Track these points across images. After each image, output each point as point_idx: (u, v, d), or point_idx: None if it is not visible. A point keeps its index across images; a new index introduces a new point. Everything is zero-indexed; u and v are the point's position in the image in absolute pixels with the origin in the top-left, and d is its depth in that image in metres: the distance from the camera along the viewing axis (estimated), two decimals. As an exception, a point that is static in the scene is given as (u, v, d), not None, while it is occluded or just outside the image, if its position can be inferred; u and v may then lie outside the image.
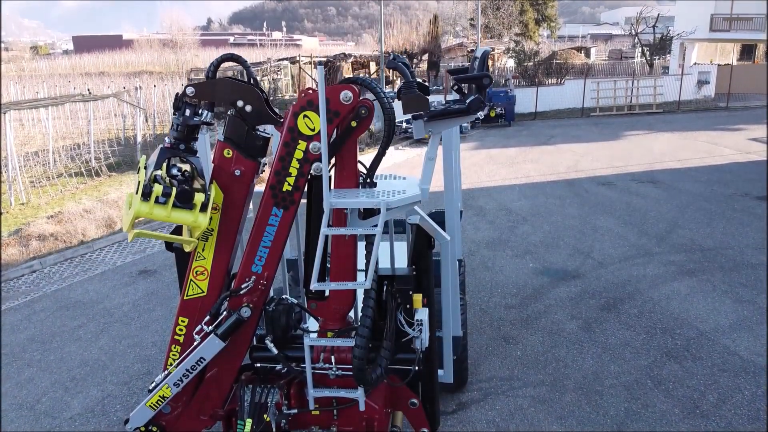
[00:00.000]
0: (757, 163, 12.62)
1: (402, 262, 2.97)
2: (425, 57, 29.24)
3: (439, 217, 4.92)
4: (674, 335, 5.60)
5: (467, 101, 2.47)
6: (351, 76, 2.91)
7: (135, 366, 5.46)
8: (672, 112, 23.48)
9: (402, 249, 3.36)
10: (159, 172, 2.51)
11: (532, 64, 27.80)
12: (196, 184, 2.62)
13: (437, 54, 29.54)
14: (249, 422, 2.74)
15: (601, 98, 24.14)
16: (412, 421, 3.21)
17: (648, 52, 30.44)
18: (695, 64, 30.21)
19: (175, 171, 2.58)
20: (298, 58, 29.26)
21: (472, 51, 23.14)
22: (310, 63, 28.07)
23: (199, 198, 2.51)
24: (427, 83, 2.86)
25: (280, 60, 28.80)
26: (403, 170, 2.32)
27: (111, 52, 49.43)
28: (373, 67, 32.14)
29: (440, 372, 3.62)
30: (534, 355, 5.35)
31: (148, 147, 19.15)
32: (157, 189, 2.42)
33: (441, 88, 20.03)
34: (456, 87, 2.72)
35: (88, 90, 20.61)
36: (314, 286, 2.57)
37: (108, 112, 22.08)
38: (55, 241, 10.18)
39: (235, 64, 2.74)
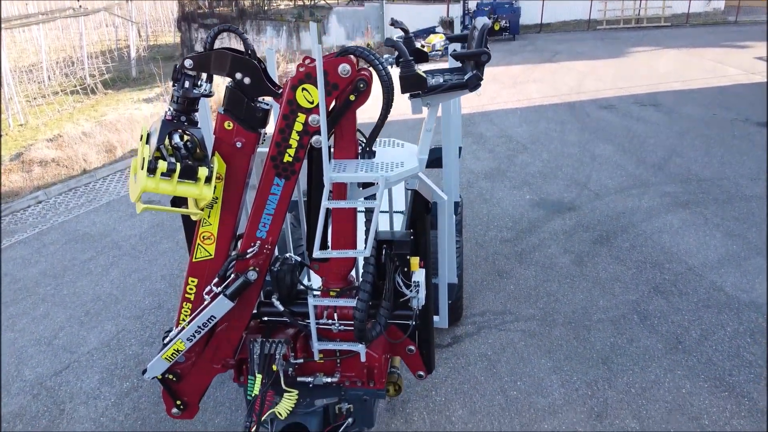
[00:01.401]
0: (760, 85, 12.42)
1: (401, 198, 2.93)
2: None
3: (436, 153, 4.98)
4: (663, 270, 5.81)
5: (465, 77, 2.49)
6: (349, 46, 2.88)
7: (146, 300, 5.72)
8: (680, 26, 22.76)
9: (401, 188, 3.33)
10: (163, 147, 2.57)
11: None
12: (199, 156, 2.69)
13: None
14: (259, 377, 2.96)
15: (609, 10, 23.30)
16: (409, 365, 3.44)
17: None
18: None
19: (177, 140, 2.64)
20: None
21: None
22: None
23: (203, 172, 2.58)
24: (425, 47, 2.85)
25: None
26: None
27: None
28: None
29: (436, 318, 3.83)
30: (526, 290, 5.59)
31: (143, 62, 18.78)
32: (162, 165, 2.49)
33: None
34: (456, 55, 2.72)
35: (80, 5, 19.88)
36: (316, 254, 2.70)
37: (99, 23, 21.45)
38: (57, 167, 10.28)
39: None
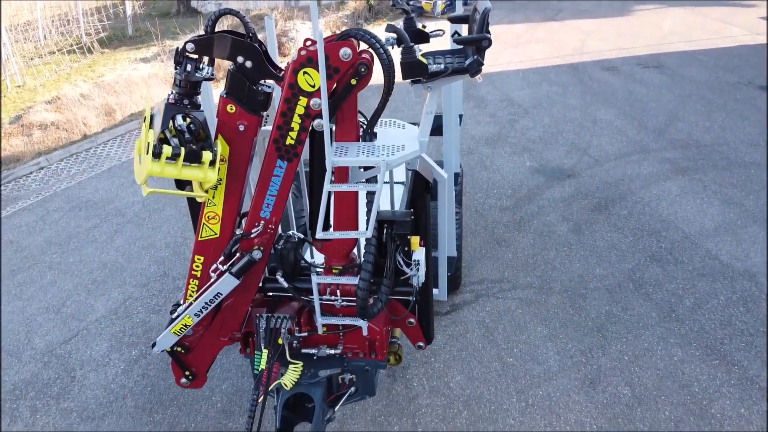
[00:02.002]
0: (764, 46, 12.25)
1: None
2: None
3: (436, 122, 4.98)
4: (660, 238, 5.89)
5: (466, 63, 2.50)
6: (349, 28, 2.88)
7: (151, 268, 5.82)
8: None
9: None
10: (167, 131, 2.61)
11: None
12: (202, 137, 2.72)
13: None
14: (265, 353, 3.07)
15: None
16: (409, 337, 3.55)
17: None
18: None
19: (180, 121, 2.68)
20: None
21: None
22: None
23: (207, 156, 2.63)
24: (425, 28, 2.85)
25: None
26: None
27: None
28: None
29: (435, 291, 3.92)
30: (524, 258, 5.69)
31: (138, 20, 18.48)
32: (167, 150, 2.53)
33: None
34: (457, 36, 2.73)
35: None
36: (319, 235, 2.77)
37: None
38: (57, 130, 10.27)
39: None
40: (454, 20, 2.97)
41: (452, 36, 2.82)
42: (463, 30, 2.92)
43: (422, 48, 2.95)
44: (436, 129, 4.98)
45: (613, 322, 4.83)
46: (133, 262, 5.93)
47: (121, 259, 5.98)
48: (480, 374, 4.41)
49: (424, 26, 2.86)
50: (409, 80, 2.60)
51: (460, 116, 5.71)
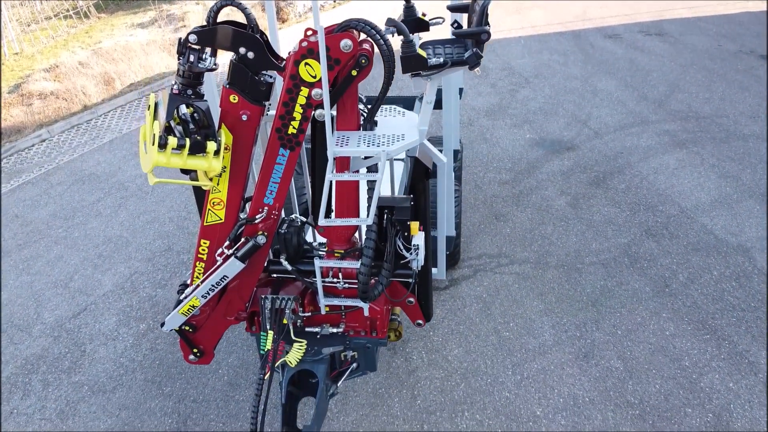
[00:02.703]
0: (765, 13, 12.11)
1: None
2: None
3: (437, 95, 5.00)
4: (656, 212, 5.98)
5: (466, 55, 2.54)
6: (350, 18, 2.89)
7: (156, 242, 5.93)
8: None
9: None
10: (172, 122, 2.66)
11: None
12: (205, 125, 2.78)
13: None
14: (271, 334, 3.18)
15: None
16: (409, 315, 3.67)
17: None
18: None
19: (183, 110, 2.73)
20: None
21: None
22: None
23: (211, 146, 2.69)
24: (425, 15, 2.87)
25: None
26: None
27: None
28: None
29: (434, 270, 4.03)
30: (522, 233, 5.78)
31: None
32: (172, 142, 2.59)
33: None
34: (456, 24, 2.75)
35: None
36: (321, 222, 2.85)
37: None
38: (56, 100, 10.26)
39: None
40: (453, 9, 2.99)
41: (452, 25, 2.84)
42: (463, 18, 2.93)
43: (422, 36, 2.98)
44: (436, 102, 5.00)
45: (608, 297, 4.95)
46: (138, 237, 6.03)
47: (125, 234, 6.08)
48: (477, 348, 4.56)
49: (424, 14, 2.89)
50: (409, 73, 2.65)
51: (461, 90, 5.71)
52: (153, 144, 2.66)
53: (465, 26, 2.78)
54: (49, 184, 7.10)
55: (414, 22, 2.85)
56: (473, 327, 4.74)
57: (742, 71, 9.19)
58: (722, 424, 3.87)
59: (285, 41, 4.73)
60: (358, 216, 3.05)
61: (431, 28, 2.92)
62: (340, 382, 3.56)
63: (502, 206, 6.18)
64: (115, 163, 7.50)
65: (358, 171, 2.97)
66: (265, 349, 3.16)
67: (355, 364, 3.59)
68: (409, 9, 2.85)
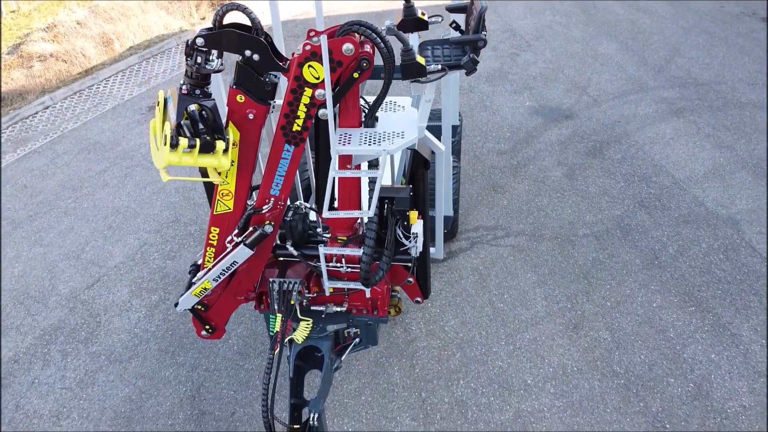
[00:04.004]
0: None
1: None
2: None
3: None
4: (650, 183, 6.12)
5: (462, 61, 2.65)
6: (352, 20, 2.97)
7: (163, 213, 6.10)
8: None
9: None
10: (183, 123, 2.79)
11: None
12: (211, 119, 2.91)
13: None
14: (279, 317, 3.39)
15: None
16: (408, 292, 3.87)
17: None
18: None
19: (192, 108, 2.86)
20: None
21: None
22: None
23: (220, 146, 2.83)
24: (425, 15, 2.95)
25: None
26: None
27: None
28: None
29: (432, 250, 4.22)
30: (518, 204, 5.95)
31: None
32: (183, 142, 2.73)
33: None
34: (455, 25, 2.84)
35: None
36: (325, 215, 3.02)
37: None
38: (56, 61, 10.25)
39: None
40: (452, 10, 3.07)
41: (450, 25, 2.93)
42: (460, 17, 3.02)
43: (421, 35, 3.08)
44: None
45: (599, 269, 5.16)
46: (146, 208, 6.20)
47: (133, 204, 6.25)
48: (472, 319, 4.79)
49: (423, 13, 2.97)
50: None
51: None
52: (165, 144, 2.80)
53: (463, 25, 2.88)
54: (56, 153, 7.22)
55: (413, 21, 2.94)
56: (469, 299, 4.96)
57: (743, 34, 9.16)
58: (702, 394, 4.14)
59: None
60: (360, 208, 3.21)
61: (429, 27, 3.01)
62: (343, 356, 3.80)
63: (500, 177, 6.32)
64: (119, 132, 7.59)
65: (359, 165, 3.12)
66: (274, 331, 3.37)
67: (357, 340, 3.83)
68: (409, 8, 2.93)
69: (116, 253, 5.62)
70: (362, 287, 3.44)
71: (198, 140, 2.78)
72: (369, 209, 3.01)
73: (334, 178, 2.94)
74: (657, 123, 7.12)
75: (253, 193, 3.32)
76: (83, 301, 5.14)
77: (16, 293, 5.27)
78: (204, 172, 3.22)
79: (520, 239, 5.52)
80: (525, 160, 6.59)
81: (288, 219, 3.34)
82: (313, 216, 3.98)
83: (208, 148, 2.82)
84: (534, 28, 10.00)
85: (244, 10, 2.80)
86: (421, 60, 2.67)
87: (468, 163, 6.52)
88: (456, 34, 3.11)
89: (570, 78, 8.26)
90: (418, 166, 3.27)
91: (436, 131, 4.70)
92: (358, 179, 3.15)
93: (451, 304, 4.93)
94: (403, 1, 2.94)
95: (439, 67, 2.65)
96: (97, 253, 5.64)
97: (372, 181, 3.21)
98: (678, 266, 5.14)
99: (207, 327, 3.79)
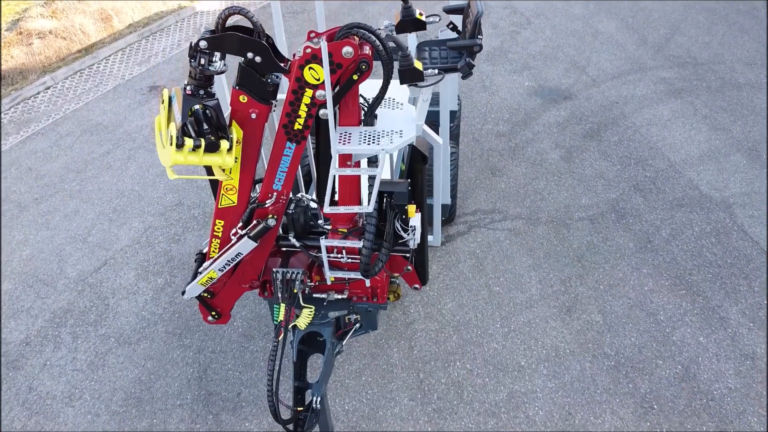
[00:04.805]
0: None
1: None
2: None
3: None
4: (646, 166, 6.22)
5: (459, 64, 2.72)
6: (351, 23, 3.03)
7: (167, 196, 6.21)
8: None
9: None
10: (188, 123, 2.89)
11: None
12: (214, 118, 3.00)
13: None
14: (283, 306, 3.53)
15: None
16: (406, 280, 4.00)
17: None
18: None
19: (196, 107, 2.95)
20: None
21: None
22: None
23: (224, 145, 2.93)
24: (422, 15, 3.01)
25: None
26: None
27: None
28: None
29: (430, 238, 4.34)
30: (516, 188, 6.05)
31: None
32: (189, 143, 2.83)
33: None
34: (452, 26, 2.91)
35: None
36: (326, 210, 3.14)
37: None
38: (56, 38, 10.23)
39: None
40: (449, 11, 3.13)
41: (448, 26, 2.99)
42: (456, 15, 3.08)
43: (419, 35, 3.15)
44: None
45: (593, 252, 5.29)
46: (149, 191, 6.30)
47: (137, 187, 6.35)
48: (469, 302, 4.94)
49: (421, 14, 3.03)
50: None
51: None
52: (171, 144, 2.89)
53: (460, 26, 2.94)
54: (58, 135, 7.29)
55: (411, 21, 3.00)
56: (466, 282, 5.10)
57: (743, 12, 9.12)
58: (690, 376, 4.31)
59: None
60: (360, 203, 3.32)
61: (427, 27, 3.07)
62: (344, 341, 3.96)
63: (498, 160, 6.41)
64: (121, 113, 7.65)
65: (359, 162, 3.22)
66: (278, 320, 3.52)
67: (358, 325, 3.98)
68: (407, 9, 2.99)
69: (122, 237, 5.75)
70: (362, 277, 3.58)
71: (203, 140, 2.88)
72: (369, 204, 3.12)
73: (334, 175, 3.04)
74: (655, 104, 7.16)
75: (257, 185, 3.44)
76: (91, 284, 5.28)
77: (26, 276, 5.41)
78: (209, 170, 3.33)
79: (517, 223, 5.64)
80: (523, 142, 6.67)
81: (290, 212, 3.45)
82: (314, 204, 4.11)
83: (212, 148, 2.92)
84: (534, 4, 9.94)
85: (246, 13, 2.87)
86: (418, 65, 2.75)
87: (467, 146, 6.60)
88: (453, 35, 3.17)
89: (569, 57, 8.27)
90: (416, 160, 3.37)
91: (434, 116, 4.79)
92: (358, 178, 3.25)
93: (449, 287, 5.08)
94: (401, 1, 3.00)
95: (437, 71, 2.73)
96: (102, 236, 5.77)
97: (372, 177, 3.32)
98: (670, 250, 5.26)
99: (213, 313, 3.94)
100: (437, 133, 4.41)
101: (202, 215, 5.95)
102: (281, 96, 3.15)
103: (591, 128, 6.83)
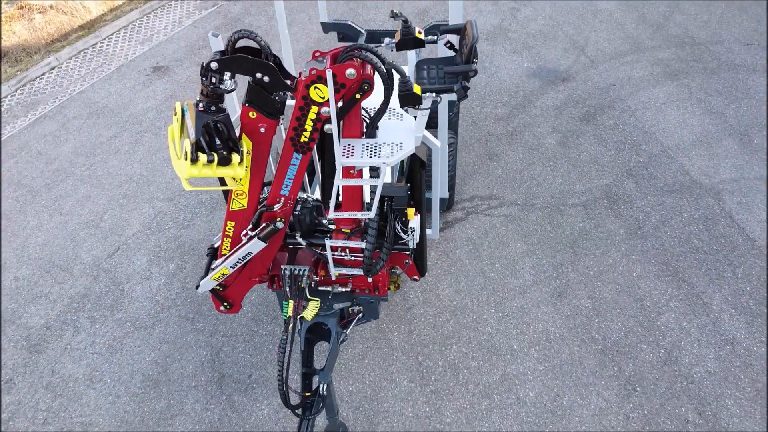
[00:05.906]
0: None
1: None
2: None
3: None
4: (639, 151, 6.40)
5: (455, 87, 2.90)
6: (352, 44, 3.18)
7: (175, 181, 6.41)
8: None
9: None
10: (201, 139, 3.09)
11: None
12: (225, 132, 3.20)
13: None
14: (291, 303, 3.78)
15: None
16: (406, 272, 4.26)
17: None
18: None
19: (207, 119, 3.15)
20: None
21: None
22: None
23: (236, 159, 3.14)
24: (421, 33, 3.16)
25: None
26: None
27: None
28: None
29: (429, 231, 4.56)
30: (512, 173, 6.24)
31: None
32: (203, 158, 3.04)
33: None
34: (449, 44, 3.06)
35: None
36: (330, 215, 3.37)
37: None
38: (57, 13, 10.28)
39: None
40: (446, 31, 3.27)
41: (445, 45, 3.15)
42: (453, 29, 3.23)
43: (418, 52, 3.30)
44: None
45: (585, 239, 5.53)
46: (157, 175, 6.50)
47: (145, 172, 6.55)
48: (465, 287, 5.21)
49: (420, 32, 3.19)
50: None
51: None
52: (186, 159, 3.10)
53: (456, 44, 3.10)
54: (66, 118, 7.43)
55: (411, 39, 3.16)
56: (463, 268, 5.36)
57: (745, -11, 9.12)
58: (672, 360, 4.60)
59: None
60: (362, 208, 3.54)
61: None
62: (348, 330, 4.23)
63: (496, 145, 6.59)
64: (126, 95, 7.78)
65: (362, 171, 3.43)
66: (287, 315, 3.78)
67: (360, 315, 4.25)
68: (407, 28, 3.14)
69: (133, 222, 5.98)
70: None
71: (216, 155, 3.09)
72: (371, 211, 3.34)
73: (338, 186, 3.25)
74: (651, 87, 7.29)
75: (265, 188, 3.66)
76: (106, 270, 5.54)
77: (42, 262, 5.67)
78: (222, 180, 3.56)
79: (513, 209, 5.86)
80: (521, 126, 6.83)
81: (297, 213, 3.68)
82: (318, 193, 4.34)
83: (225, 162, 3.13)
84: (535, -21, 9.92)
85: (254, 37, 3.03)
86: (417, 89, 2.92)
87: (465, 130, 6.76)
88: (450, 53, 3.32)
89: (569, 36, 8.34)
90: (416, 166, 3.58)
91: (433, 104, 4.94)
92: (360, 186, 3.46)
93: (447, 273, 5.33)
94: (401, 21, 3.14)
95: (434, 95, 2.91)
96: (114, 221, 6.00)
97: (374, 179, 3.53)
98: (659, 236, 5.50)
99: (225, 303, 4.21)
100: (436, 122, 4.61)
101: (209, 200, 6.17)
102: (291, 102, 3.35)
103: (587, 112, 6.98)
